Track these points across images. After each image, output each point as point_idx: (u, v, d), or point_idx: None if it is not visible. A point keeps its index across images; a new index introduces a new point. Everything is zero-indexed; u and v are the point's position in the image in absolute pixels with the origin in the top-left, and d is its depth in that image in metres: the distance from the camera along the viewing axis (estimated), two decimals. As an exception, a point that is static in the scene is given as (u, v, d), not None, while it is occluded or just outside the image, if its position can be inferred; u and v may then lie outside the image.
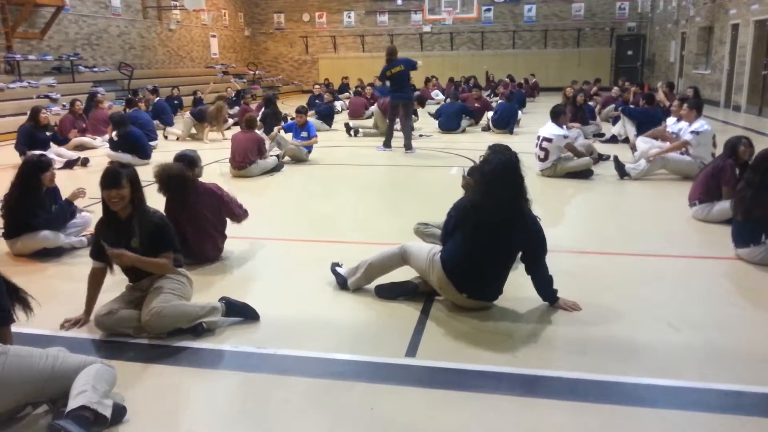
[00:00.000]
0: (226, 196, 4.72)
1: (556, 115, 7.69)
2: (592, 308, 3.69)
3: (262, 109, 11.92)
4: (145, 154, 9.04)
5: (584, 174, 7.64)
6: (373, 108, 13.33)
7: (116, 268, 3.52)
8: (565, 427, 2.56)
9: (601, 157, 8.53)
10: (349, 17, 27.21)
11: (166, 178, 4.45)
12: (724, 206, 5.34)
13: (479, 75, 22.27)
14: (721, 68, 16.83)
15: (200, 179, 4.74)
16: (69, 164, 8.85)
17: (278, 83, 26.05)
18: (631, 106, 10.90)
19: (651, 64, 24.95)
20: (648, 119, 9.28)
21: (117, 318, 3.38)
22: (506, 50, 26.05)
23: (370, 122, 13.20)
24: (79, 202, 5.22)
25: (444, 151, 10.20)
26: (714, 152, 7.27)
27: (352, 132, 12.19)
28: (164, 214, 3.83)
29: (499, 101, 13.95)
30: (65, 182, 6.08)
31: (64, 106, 12.80)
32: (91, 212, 5.41)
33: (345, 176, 8.63)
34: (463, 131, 12.47)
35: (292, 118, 10.16)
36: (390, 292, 3.91)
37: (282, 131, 9.85)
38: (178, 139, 12.00)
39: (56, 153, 8.90)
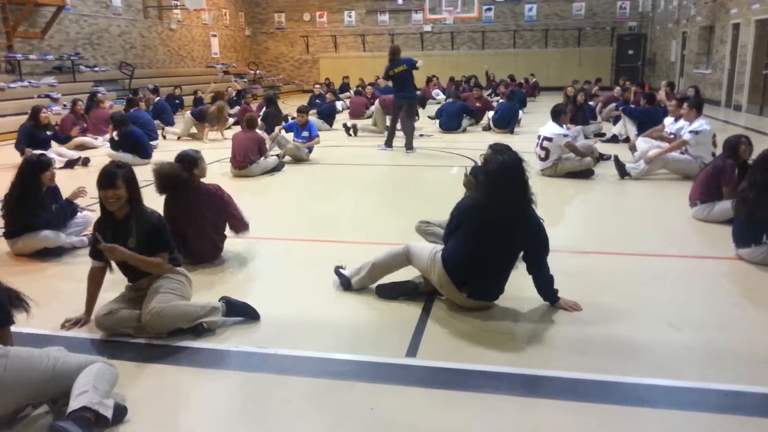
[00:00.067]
0: (227, 196, 4.71)
1: (557, 115, 7.70)
2: (592, 308, 3.69)
3: (264, 109, 11.93)
4: (145, 153, 9.04)
5: (585, 174, 7.64)
6: (374, 107, 13.32)
7: (116, 267, 3.52)
8: (566, 427, 2.56)
9: (601, 157, 8.52)
10: (350, 17, 27.22)
11: (159, 177, 4.46)
12: (724, 206, 5.34)
13: (480, 74, 22.24)
14: (722, 68, 16.82)
15: (202, 179, 4.74)
16: (70, 164, 8.87)
17: (279, 83, 26.04)
18: (632, 106, 10.90)
19: (652, 64, 24.93)
20: (649, 119, 9.27)
21: (117, 318, 3.39)
22: (507, 50, 26.06)
23: (369, 122, 13.21)
24: (79, 202, 5.22)
25: (445, 150, 10.20)
26: (714, 152, 7.27)
27: (351, 131, 12.19)
28: (162, 214, 3.83)
29: (500, 101, 13.95)
30: (66, 182, 6.08)
31: (64, 105, 12.81)
32: (92, 211, 5.41)
33: (346, 176, 8.63)
34: (464, 131, 12.46)
35: (293, 118, 10.17)
36: (391, 292, 3.91)
37: (283, 131, 9.86)
38: (178, 138, 12.00)
39: (57, 153, 8.91)
